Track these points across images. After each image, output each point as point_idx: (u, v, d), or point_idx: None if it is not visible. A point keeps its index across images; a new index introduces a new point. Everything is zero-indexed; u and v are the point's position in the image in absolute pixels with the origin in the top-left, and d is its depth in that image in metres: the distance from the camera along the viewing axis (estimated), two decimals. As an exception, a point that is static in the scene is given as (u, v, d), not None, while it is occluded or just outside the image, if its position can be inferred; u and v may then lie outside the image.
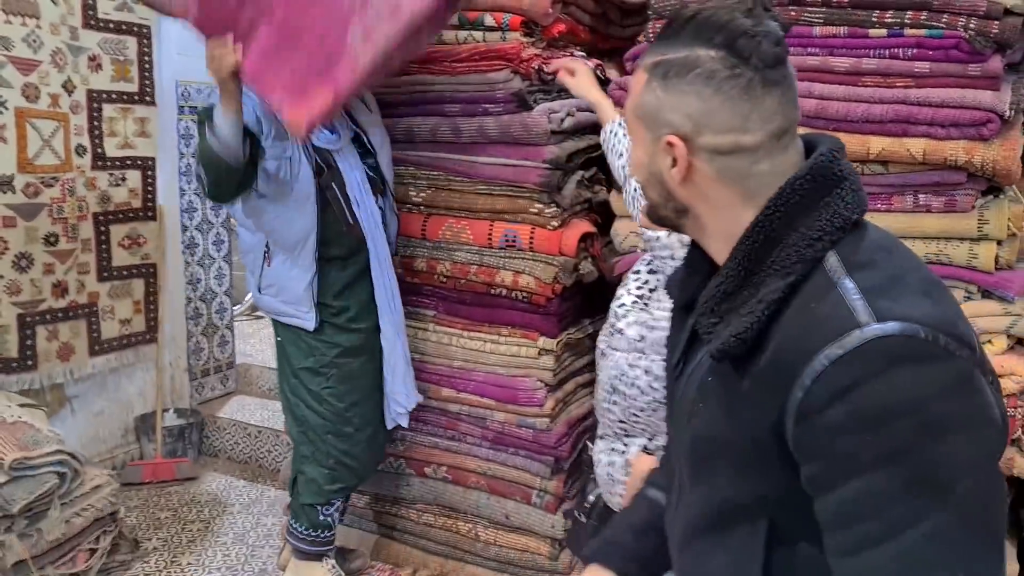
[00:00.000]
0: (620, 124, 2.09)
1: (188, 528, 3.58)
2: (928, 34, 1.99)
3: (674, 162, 0.98)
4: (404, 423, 2.68)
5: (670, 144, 0.97)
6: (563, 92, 2.64)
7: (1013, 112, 1.97)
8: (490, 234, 2.61)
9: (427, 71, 2.59)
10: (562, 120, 2.53)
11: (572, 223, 2.61)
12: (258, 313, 5.97)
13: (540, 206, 2.54)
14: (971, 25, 1.94)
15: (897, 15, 2.02)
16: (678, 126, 0.97)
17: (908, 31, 2.01)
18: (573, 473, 2.72)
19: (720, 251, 1.01)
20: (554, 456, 2.65)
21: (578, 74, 2.33)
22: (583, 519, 1.85)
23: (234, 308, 4.81)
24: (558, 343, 2.62)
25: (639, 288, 1.83)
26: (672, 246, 1.64)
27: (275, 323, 2.61)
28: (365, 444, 2.66)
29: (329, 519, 2.63)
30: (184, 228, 4.32)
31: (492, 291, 2.63)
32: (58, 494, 2.67)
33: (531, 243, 2.56)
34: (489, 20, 2.52)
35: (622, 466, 1.75)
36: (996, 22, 1.93)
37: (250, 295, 5.62)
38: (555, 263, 2.53)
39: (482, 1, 2.52)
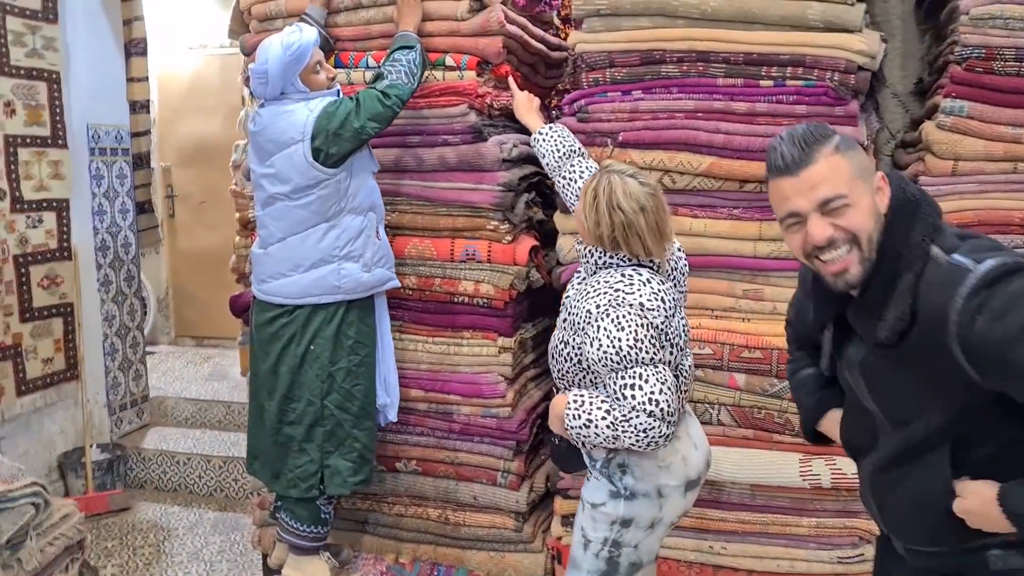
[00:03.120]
0: (551, 128, 2.64)
1: (140, 553, 3.70)
2: (804, 84, 2.64)
3: (879, 192, 1.46)
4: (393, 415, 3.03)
5: (881, 179, 1.46)
6: (508, 126, 3.13)
7: (868, 142, 2.65)
8: (452, 249, 3.03)
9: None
10: (511, 150, 3.00)
11: (521, 238, 3.08)
12: (149, 348, 5.98)
13: (496, 223, 2.99)
14: (835, 78, 2.60)
15: (780, 70, 2.66)
16: (874, 167, 1.47)
17: (789, 82, 2.65)
18: (535, 453, 3.16)
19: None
20: (516, 440, 3.07)
21: (517, 97, 2.90)
22: (556, 442, 2.26)
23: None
24: (515, 341, 3.06)
25: (578, 284, 2.26)
26: (588, 256, 2.11)
27: (347, 307, 2.83)
28: (375, 437, 2.99)
29: (327, 516, 2.92)
30: (99, 266, 4.41)
31: (455, 299, 3.04)
32: (32, 524, 2.76)
33: (489, 256, 3.00)
34: (449, 61, 2.96)
35: None
36: (853, 75, 2.60)
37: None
38: (510, 272, 2.99)
39: (442, 42, 2.96)
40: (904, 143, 3.02)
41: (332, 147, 2.67)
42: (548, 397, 3.33)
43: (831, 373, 1.72)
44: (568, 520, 3.02)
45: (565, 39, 3.59)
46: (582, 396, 2.01)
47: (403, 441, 3.20)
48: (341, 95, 2.85)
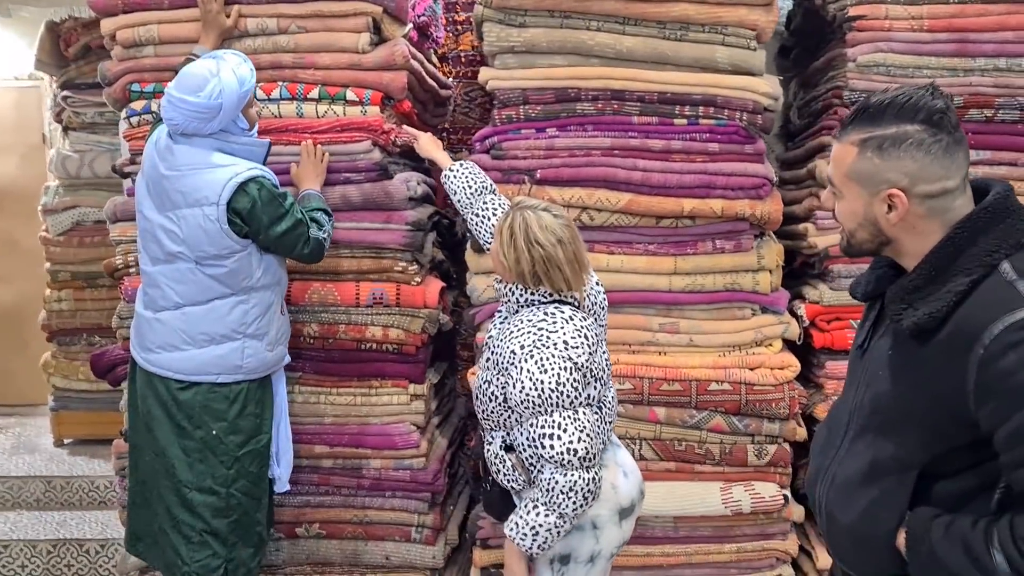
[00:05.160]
0: (462, 164, 2.59)
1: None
2: (716, 123, 2.75)
3: (889, 208, 1.40)
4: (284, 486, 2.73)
5: (891, 196, 1.38)
6: (407, 164, 3.00)
7: (777, 178, 2.81)
8: (357, 293, 2.83)
9: (286, 141, 2.76)
10: (416, 188, 2.87)
11: (429, 279, 2.94)
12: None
13: (404, 264, 2.84)
14: (744, 117, 2.73)
15: (693, 109, 2.75)
16: (896, 182, 1.38)
17: (702, 121, 2.75)
18: (446, 503, 3.00)
19: (911, 263, 1.44)
20: (431, 491, 2.90)
21: (421, 138, 2.81)
22: (488, 488, 2.24)
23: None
24: (426, 387, 2.91)
25: (500, 323, 2.25)
26: (508, 295, 2.11)
27: (248, 388, 2.53)
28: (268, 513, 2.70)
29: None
30: None
31: (362, 346, 2.84)
32: None
33: (398, 299, 2.84)
34: (351, 95, 2.78)
35: (494, 452, 2.16)
36: (760, 115, 2.74)
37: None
38: (421, 315, 2.84)
39: (342, 76, 2.79)
40: (783, 180, 3.21)
41: (258, 235, 2.43)
42: (452, 444, 3.20)
43: (850, 360, 1.68)
44: (488, 571, 2.89)
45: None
46: (512, 521, 2.02)
47: (304, 504, 2.92)
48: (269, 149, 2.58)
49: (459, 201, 2.55)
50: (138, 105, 2.84)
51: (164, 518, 2.52)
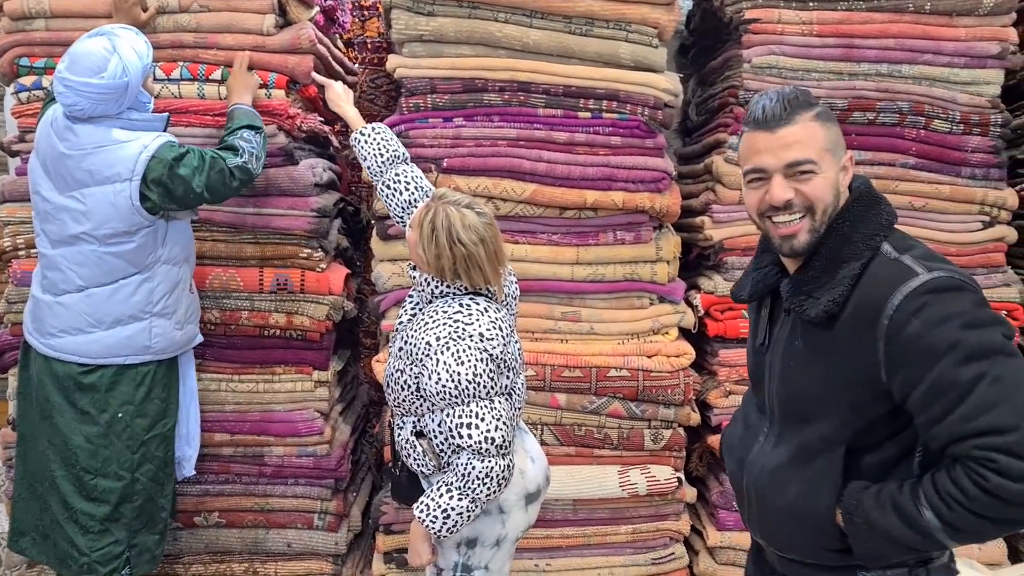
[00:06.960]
0: (374, 128, 2.50)
1: None
2: (618, 117, 2.83)
3: (844, 170, 1.54)
4: (191, 470, 2.69)
5: (849, 159, 1.54)
6: (312, 150, 2.97)
7: (676, 173, 2.91)
8: (261, 279, 2.80)
9: (186, 123, 2.70)
10: (321, 174, 2.85)
11: (333, 266, 2.93)
12: None
13: (309, 251, 2.82)
14: (645, 112, 2.82)
15: (597, 103, 2.82)
16: (845, 145, 1.54)
17: (605, 114, 2.83)
18: (349, 490, 3.00)
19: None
20: (335, 478, 2.91)
21: (333, 87, 2.70)
22: (397, 473, 2.24)
23: None
24: (331, 374, 2.90)
25: (412, 310, 2.28)
26: (423, 285, 2.09)
27: (156, 365, 2.48)
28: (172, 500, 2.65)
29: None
30: None
31: (265, 333, 2.81)
32: None
33: (302, 285, 2.82)
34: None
35: (404, 438, 2.17)
36: (660, 111, 2.84)
37: None
38: (326, 302, 2.83)
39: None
40: (680, 175, 3.33)
41: (163, 200, 2.35)
42: (355, 430, 3.21)
43: (753, 359, 1.76)
44: (391, 556, 2.92)
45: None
46: (423, 503, 2.02)
47: (203, 492, 2.89)
48: (168, 121, 2.49)
49: (369, 168, 2.46)
50: (27, 80, 2.73)
51: (58, 509, 2.44)
